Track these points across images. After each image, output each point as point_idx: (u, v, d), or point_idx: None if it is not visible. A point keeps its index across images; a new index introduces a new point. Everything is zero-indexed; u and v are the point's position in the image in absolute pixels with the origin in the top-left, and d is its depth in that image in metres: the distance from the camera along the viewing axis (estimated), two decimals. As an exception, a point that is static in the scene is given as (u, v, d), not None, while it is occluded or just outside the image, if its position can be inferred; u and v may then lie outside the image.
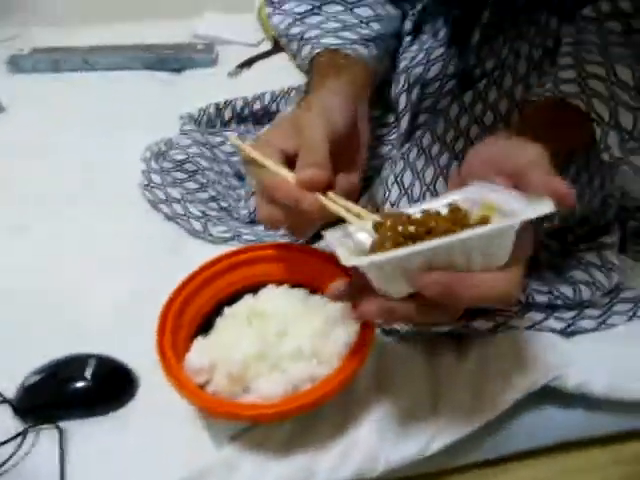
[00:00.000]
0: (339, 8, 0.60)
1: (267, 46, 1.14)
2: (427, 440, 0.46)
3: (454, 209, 0.38)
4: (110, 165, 0.79)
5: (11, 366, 0.51)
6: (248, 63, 1.08)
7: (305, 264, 0.51)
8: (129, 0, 1.15)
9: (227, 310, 0.48)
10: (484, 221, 0.36)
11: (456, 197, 0.40)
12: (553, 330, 0.52)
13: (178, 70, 1.07)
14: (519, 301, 0.52)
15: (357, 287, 0.38)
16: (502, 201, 0.36)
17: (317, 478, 0.45)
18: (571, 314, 0.53)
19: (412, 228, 0.35)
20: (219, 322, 0.47)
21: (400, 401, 0.48)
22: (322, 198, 0.42)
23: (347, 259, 0.34)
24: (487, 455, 0.51)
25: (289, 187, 0.43)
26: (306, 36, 0.59)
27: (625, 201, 0.63)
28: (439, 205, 0.40)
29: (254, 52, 1.10)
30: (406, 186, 0.59)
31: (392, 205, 0.59)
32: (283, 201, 0.43)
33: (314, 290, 0.49)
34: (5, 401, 0.47)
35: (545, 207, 0.34)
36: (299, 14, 0.61)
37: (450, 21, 0.67)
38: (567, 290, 0.53)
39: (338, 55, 0.56)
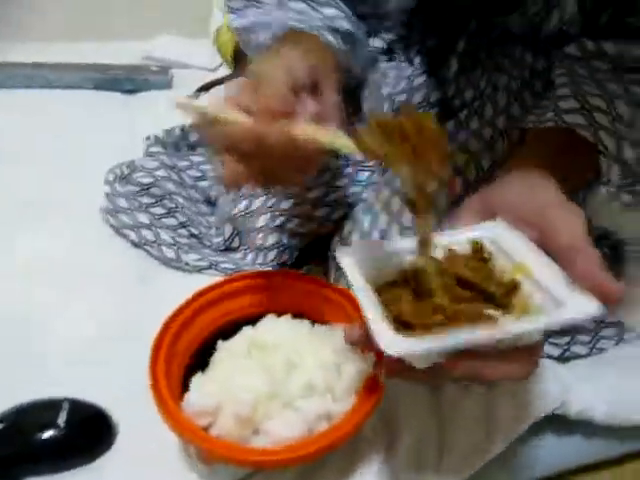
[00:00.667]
0: (304, 5, 0.56)
1: (225, 71, 1.12)
2: None
3: (479, 265, 0.36)
4: (65, 188, 0.73)
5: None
6: (206, 87, 1.05)
7: (302, 292, 0.48)
8: (82, 19, 1.11)
9: (223, 343, 0.44)
10: (510, 289, 0.34)
11: (478, 234, 0.38)
12: (550, 356, 0.52)
13: (132, 91, 1.02)
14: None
15: None
16: (536, 268, 0.35)
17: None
18: (565, 339, 0.54)
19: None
20: (216, 357, 0.43)
21: (406, 439, 0.46)
22: (289, 127, 0.38)
23: (390, 346, 0.30)
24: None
25: (250, 128, 0.38)
26: (269, 21, 0.53)
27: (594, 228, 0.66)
28: (461, 239, 0.38)
29: (211, 77, 1.08)
30: (395, 212, 0.58)
31: (381, 232, 0.57)
32: (249, 146, 0.38)
33: (316, 320, 0.46)
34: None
35: (590, 308, 0.32)
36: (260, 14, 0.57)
37: (424, 52, 0.68)
38: (563, 316, 0.53)
39: (303, 36, 0.50)
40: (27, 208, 0.69)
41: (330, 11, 0.56)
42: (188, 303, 0.46)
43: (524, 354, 0.34)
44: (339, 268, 0.38)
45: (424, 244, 0.36)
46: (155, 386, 0.40)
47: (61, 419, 0.42)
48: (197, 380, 0.41)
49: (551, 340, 0.53)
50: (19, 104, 0.92)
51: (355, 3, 0.62)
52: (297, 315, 0.46)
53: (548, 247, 0.36)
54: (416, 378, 0.36)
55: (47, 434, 0.42)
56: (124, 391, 0.48)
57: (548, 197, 0.38)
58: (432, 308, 0.33)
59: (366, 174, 0.67)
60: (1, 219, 0.68)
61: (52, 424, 0.42)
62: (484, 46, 0.65)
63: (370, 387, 0.41)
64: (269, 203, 0.63)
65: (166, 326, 0.44)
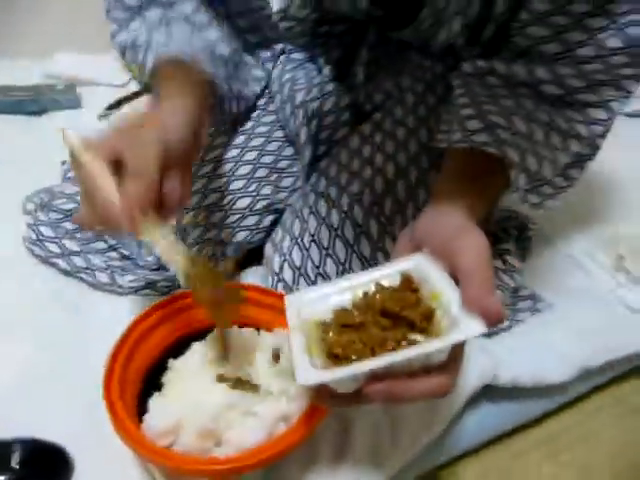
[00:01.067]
0: (187, 27, 0.58)
1: (134, 87, 1.10)
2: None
3: (406, 295, 0.39)
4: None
5: None
6: (117, 104, 1.03)
7: (250, 304, 0.50)
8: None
9: (174, 362, 0.45)
10: (428, 316, 0.38)
11: (406, 265, 0.41)
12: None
13: (37, 113, 0.98)
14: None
15: None
16: (445, 296, 0.38)
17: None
18: (489, 317, 0.59)
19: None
20: (169, 376, 0.44)
21: (362, 426, 0.49)
22: (143, 222, 0.42)
23: (306, 379, 0.35)
24: (438, 461, 0.54)
25: (114, 203, 0.42)
26: (153, 43, 0.55)
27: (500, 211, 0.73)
28: (391, 272, 0.42)
29: (121, 93, 1.06)
30: (323, 215, 0.61)
31: (312, 236, 0.60)
32: (100, 210, 0.42)
33: (260, 327, 0.48)
34: None
35: (476, 329, 0.35)
36: (143, 31, 0.57)
37: (330, 62, 0.72)
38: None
39: (183, 66, 0.53)
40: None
41: (213, 34, 0.59)
42: (135, 325, 0.47)
43: (435, 377, 0.36)
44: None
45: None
46: (113, 412, 0.40)
47: (14, 461, 0.41)
48: (154, 401, 0.42)
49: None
50: None
51: (252, 20, 0.64)
52: (242, 325, 0.48)
53: (453, 273, 0.39)
54: (341, 403, 0.38)
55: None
56: (76, 425, 0.48)
57: (452, 225, 0.42)
58: (352, 340, 0.37)
59: (290, 180, 0.70)
60: None
61: (6, 468, 0.41)
62: (386, 54, 0.70)
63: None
64: (200, 217, 0.64)
65: (115, 351, 0.44)
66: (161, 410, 0.41)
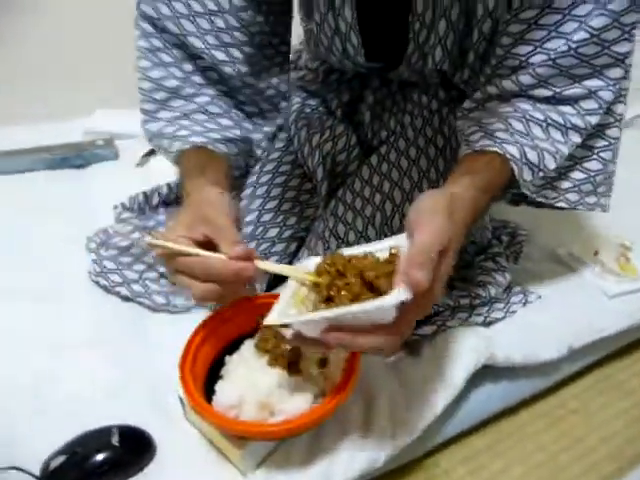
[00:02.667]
0: (204, 117, 0.68)
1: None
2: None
3: (386, 266, 0.46)
4: (47, 261, 0.81)
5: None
6: (153, 152, 1.15)
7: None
8: (17, 104, 1.18)
9: (231, 357, 0.56)
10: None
11: (395, 242, 0.48)
12: (477, 323, 0.68)
13: (82, 166, 1.11)
14: (449, 305, 0.67)
15: None
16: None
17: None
18: (485, 309, 0.70)
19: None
20: (228, 367, 0.55)
21: (381, 402, 0.60)
22: (260, 263, 0.50)
23: (270, 320, 0.45)
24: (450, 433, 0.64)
25: (227, 263, 0.49)
26: (177, 134, 0.66)
27: (494, 222, 0.84)
28: (383, 246, 0.48)
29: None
30: (341, 236, 0.72)
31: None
32: (221, 277, 0.49)
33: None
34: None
35: (398, 296, 0.40)
36: (170, 120, 0.67)
37: (340, 105, 0.84)
38: (480, 291, 0.69)
39: (203, 151, 0.65)
40: (16, 284, 0.77)
41: (225, 122, 0.70)
42: (197, 331, 0.58)
43: (382, 329, 0.42)
44: None
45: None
46: (190, 395, 0.51)
47: (114, 440, 0.53)
48: (220, 385, 0.53)
49: (476, 312, 0.69)
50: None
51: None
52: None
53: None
54: (309, 346, 0.46)
55: (105, 455, 0.52)
56: (154, 416, 0.59)
57: (427, 205, 0.47)
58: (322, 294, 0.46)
59: (311, 210, 0.81)
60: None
61: (108, 446, 0.53)
62: (388, 94, 0.82)
63: (349, 369, 0.54)
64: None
65: (185, 352, 0.56)
66: (227, 390, 0.52)
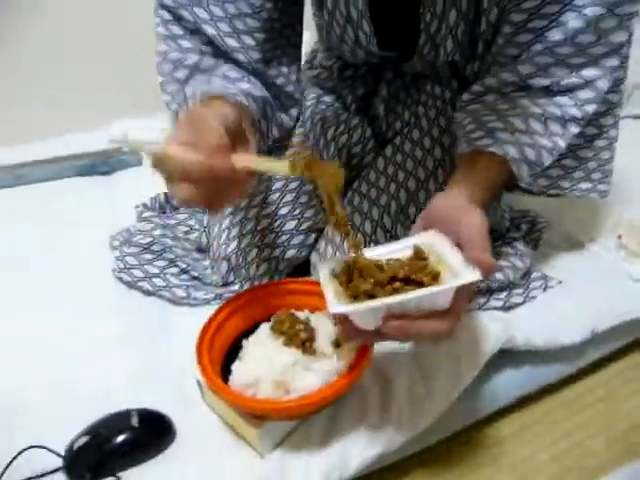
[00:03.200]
0: (224, 80, 0.65)
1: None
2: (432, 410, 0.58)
3: (418, 262, 0.49)
4: (68, 263, 0.84)
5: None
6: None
7: (300, 292, 0.62)
8: (41, 119, 1.22)
9: (247, 340, 0.57)
10: (435, 276, 0.47)
11: (418, 240, 0.52)
12: (496, 308, 0.68)
13: (107, 173, 1.15)
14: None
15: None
16: (450, 259, 0.47)
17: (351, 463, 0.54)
18: (504, 293, 0.69)
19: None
20: (244, 351, 0.56)
21: (398, 387, 0.60)
22: (235, 157, 0.47)
23: (333, 307, 0.45)
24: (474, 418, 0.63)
25: (200, 160, 0.45)
26: (191, 81, 0.64)
27: (513, 213, 0.83)
28: (405, 246, 0.52)
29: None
30: (358, 225, 0.72)
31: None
32: (198, 174, 0.46)
33: (312, 310, 0.60)
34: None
35: (471, 276, 0.44)
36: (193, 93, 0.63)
37: (355, 99, 0.85)
38: (498, 275, 0.69)
39: (222, 100, 0.55)
40: (49, 282, 0.80)
41: (245, 85, 0.67)
42: (214, 316, 0.59)
43: (440, 315, 0.45)
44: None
45: (355, 247, 0.50)
46: (206, 374, 0.52)
47: (134, 422, 0.54)
48: (236, 365, 0.54)
49: (494, 296, 0.69)
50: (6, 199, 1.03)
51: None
52: (298, 308, 0.60)
53: (456, 243, 0.49)
54: (365, 338, 0.48)
55: (126, 435, 0.53)
56: (173, 401, 0.60)
57: (455, 206, 0.52)
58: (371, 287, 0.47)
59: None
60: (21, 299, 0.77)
61: (128, 428, 0.54)
62: (402, 87, 0.83)
63: (363, 348, 0.54)
64: (255, 239, 0.77)
65: (202, 336, 0.57)
66: (242, 370, 0.53)
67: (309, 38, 0.90)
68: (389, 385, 0.60)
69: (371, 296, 0.46)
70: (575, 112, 0.58)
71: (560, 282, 0.73)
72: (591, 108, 0.59)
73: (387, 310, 0.44)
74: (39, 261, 0.85)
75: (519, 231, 0.78)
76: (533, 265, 0.74)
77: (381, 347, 0.61)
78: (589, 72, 0.57)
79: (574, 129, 0.59)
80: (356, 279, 0.49)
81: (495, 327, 0.63)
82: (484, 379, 0.63)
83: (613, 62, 0.57)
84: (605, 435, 0.65)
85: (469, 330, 0.63)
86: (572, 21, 0.54)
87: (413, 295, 0.44)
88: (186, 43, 0.67)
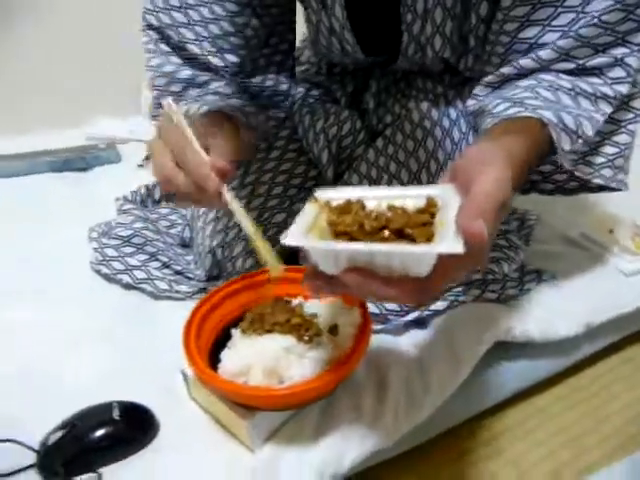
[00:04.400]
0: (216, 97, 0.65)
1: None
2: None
3: (422, 216, 0.40)
4: (42, 259, 0.81)
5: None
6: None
7: (290, 280, 0.59)
8: (20, 114, 1.20)
9: (237, 329, 0.54)
10: (430, 238, 0.38)
11: (433, 192, 0.42)
12: (490, 300, 0.66)
13: (84, 169, 1.11)
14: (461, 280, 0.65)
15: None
16: (449, 222, 0.37)
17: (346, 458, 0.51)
18: (499, 285, 0.68)
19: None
20: (235, 339, 0.53)
21: (394, 379, 0.57)
22: (224, 188, 0.49)
23: (287, 237, 0.39)
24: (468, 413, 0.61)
25: (205, 164, 0.48)
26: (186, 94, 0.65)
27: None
28: (419, 193, 0.42)
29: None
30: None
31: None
32: (193, 171, 0.48)
33: (305, 297, 0.58)
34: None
35: (452, 246, 0.34)
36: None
37: (346, 94, 0.84)
38: (493, 266, 0.67)
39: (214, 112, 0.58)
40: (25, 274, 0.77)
41: (235, 102, 0.66)
42: (201, 304, 0.56)
43: (410, 284, 0.37)
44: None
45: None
46: (194, 363, 0.49)
47: (115, 415, 0.50)
48: (225, 353, 0.51)
49: (489, 288, 0.67)
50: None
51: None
52: (290, 296, 0.57)
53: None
54: (322, 283, 0.40)
55: (106, 429, 0.50)
56: (157, 394, 0.56)
57: (482, 155, 0.42)
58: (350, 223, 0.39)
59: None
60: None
61: (109, 421, 0.50)
62: (393, 82, 0.82)
63: (359, 337, 0.52)
64: (241, 234, 0.74)
65: (188, 324, 0.53)
66: (232, 357, 0.50)
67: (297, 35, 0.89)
68: (385, 378, 0.57)
69: (352, 239, 0.39)
70: (607, 90, 0.53)
71: (554, 276, 0.72)
72: (624, 88, 0.53)
73: (351, 258, 0.37)
74: (16, 256, 0.81)
75: (510, 226, 0.77)
76: (526, 261, 0.73)
77: (378, 340, 0.59)
78: (618, 50, 0.52)
79: (607, 108, 0.53)
80: (343, 217, 0.41)
81: (491, 319, 0.61)
82: (479, 374, 0.61)
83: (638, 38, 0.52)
84: (600, 430, 0.64)
85: (465, 323, 0.61)
86: (594, 2, 0.50)
87: (376, 248, 0.36)
88: (176, 59, 0.67)
